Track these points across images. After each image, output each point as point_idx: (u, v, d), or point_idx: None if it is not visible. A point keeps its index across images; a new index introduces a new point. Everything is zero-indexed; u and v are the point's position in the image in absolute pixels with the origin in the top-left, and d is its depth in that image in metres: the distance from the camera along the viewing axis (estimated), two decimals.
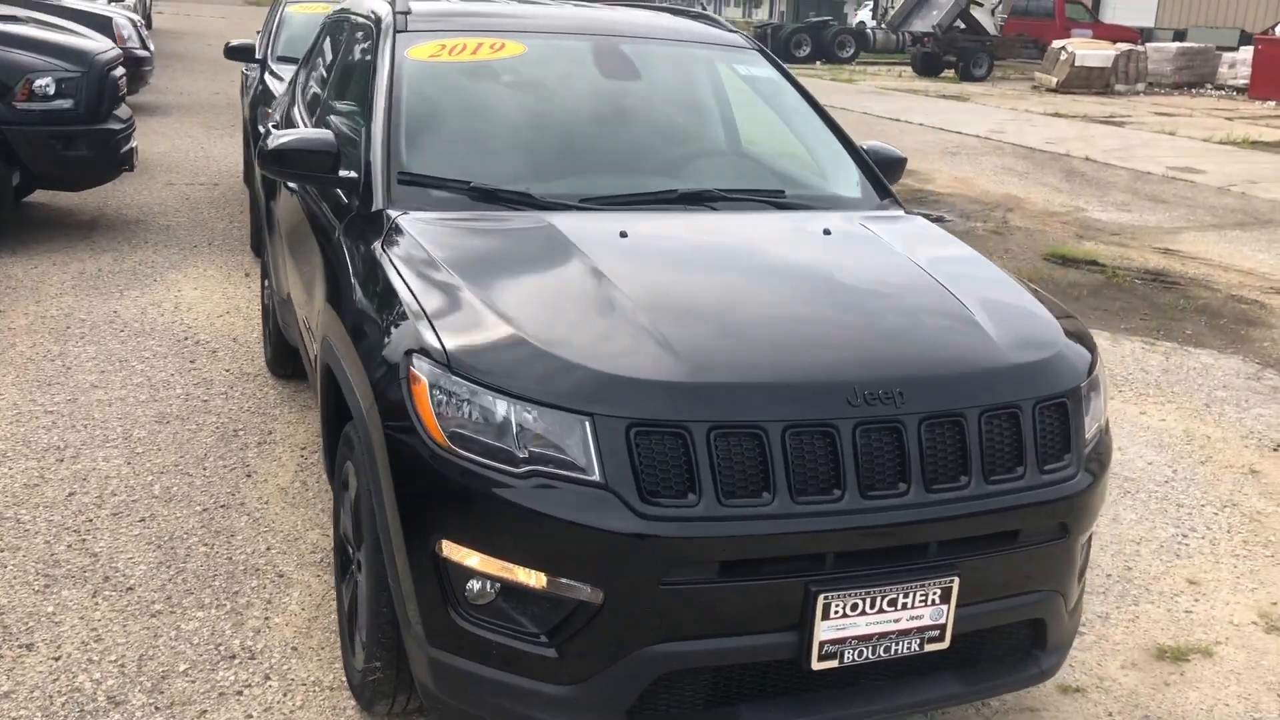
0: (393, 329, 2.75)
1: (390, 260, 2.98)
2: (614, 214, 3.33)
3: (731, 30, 4.40)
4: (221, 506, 4.26)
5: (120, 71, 8.13)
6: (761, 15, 61.59)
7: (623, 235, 3.14)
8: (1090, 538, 3.05)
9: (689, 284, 2.96)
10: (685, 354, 2.55)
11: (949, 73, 27.90)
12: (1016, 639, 2.85)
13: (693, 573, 2.43)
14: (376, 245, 3.09)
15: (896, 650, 2.59)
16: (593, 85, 3.92)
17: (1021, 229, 10.31)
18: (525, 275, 2.91)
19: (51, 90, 7.38)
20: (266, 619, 3.54)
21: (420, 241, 3.03)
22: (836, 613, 2.51)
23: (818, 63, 30.46)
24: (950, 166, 13.88)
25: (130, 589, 3.68)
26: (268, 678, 3.26)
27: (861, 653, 2.56)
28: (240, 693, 3.19)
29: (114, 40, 10.89)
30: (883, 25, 34.77)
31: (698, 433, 2.42)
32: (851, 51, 32.33)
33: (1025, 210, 11.24)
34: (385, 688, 2.86)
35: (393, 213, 3.22)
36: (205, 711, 3.10)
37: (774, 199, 3.60)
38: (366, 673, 2.88)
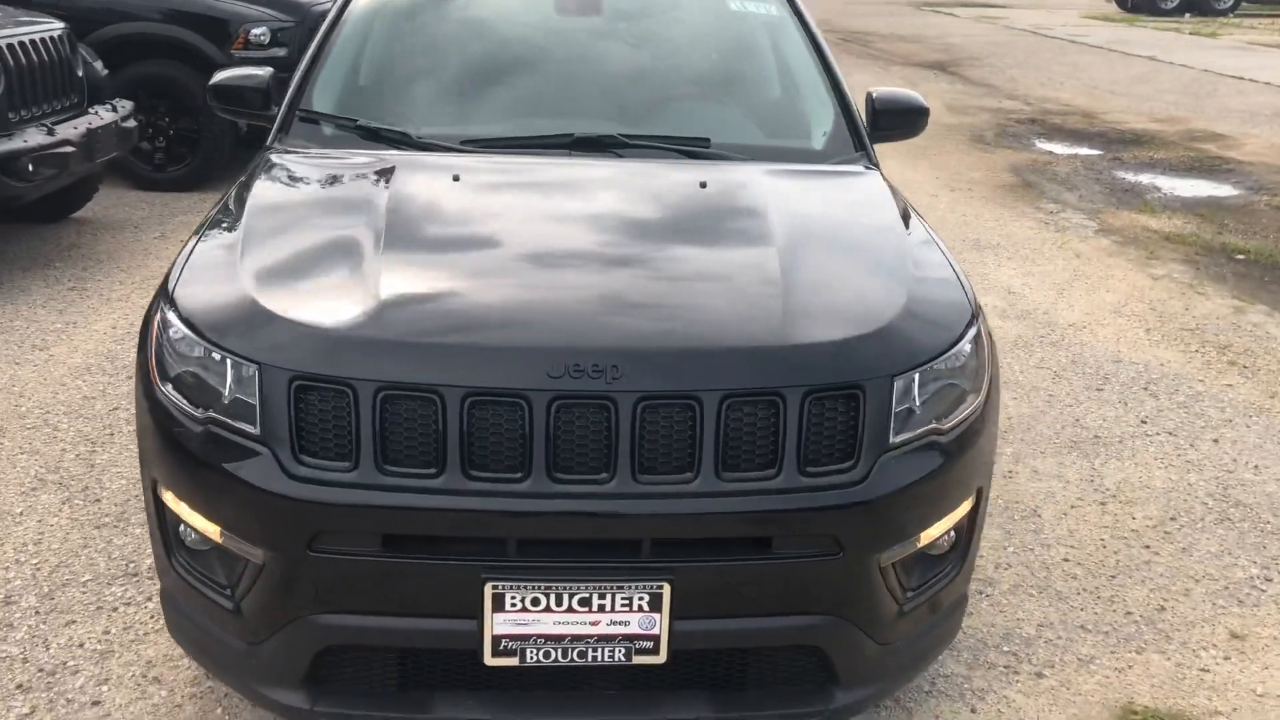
0: (171, 268, 2.74)
1: (225, 199, 2.96)
2: (479, 157, 3.14)
3: None
4: None
5: None
6: None
7: (455, 179, 2.95)
8: (944, 560, 2.57)
9: (463, 236, 2.74)
10: (380, 309, 2.36)
11: None
12: (798, 667, 2.44)
13: (349, 543, 2.26)
14: (239, 182, 3.08)
15: (596, 657, 2.29)
16: (540, 22, 3.71)
17: None
18: (312, 218, 2.80)
19: (266, 39, 7.93)
20: None
21: (263, 180, 2.99)
22: (514, 605, 2.25)
23: (1186, 15, 27.47)
24: (1274, 133, 12.11)
25: (98, 500, 3.92)
26: (151, 598, 3.37)
27: (549, 653, 2.29)
28: (116, 609, 3.32)
29: None
30: None
31: (363, 392, 2.23)
32: (1230, 3, 28.87)
33: None
34: None
35: (275, 150, 3.19)
36: (73, 622, 3.25)
37: (694, 147, 3.24)
38: None
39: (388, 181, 2.91)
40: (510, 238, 2.71)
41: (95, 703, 2.94)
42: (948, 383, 2.52)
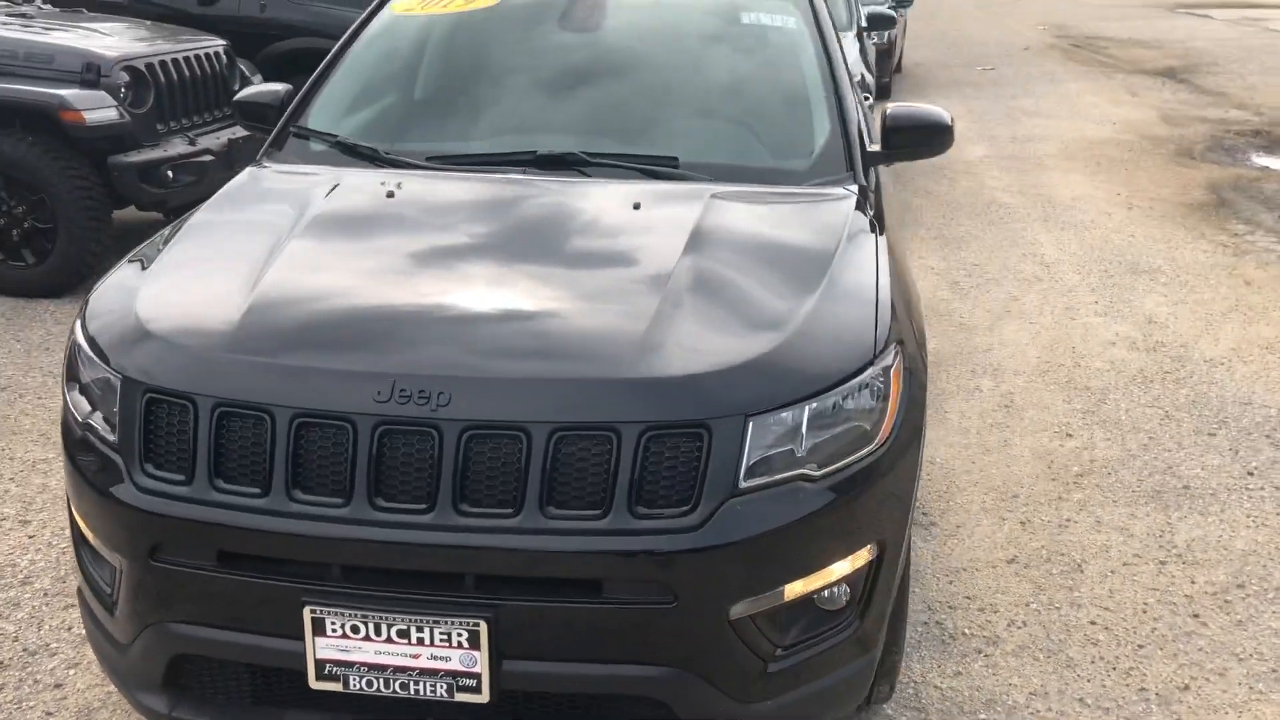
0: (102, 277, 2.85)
1: (190, 212, 3.07)
2: (431, 175, 3.13)
3: None
4: None
5: None
6: None
7: (389, 195, 2.95)
8: (836, 617, 2.37)
9: (353, 255, 2.72)
10: (235, 326, 2.38)
11: None
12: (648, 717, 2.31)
13: (186, 556, 2.29)
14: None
15: (419, 690, 2.24)
16: (539, 39, 3.64)
17: None
18: (234, 234, 2.86)
19: None
20: None
21: (218, 195, 3.09)
22: (334, 631, 2.22)
23: None
24: None
25: None
26: None
27: (372, 683, 2.25)
28: None
29: None
30: None
31: (203, 408, 2.26)
32: None
33: None
34: None
35: (255, 165, 3.29)
36: (71, 606, 3.45)
37: (660, 166, 3.12)
38: None
39: (323, 198, 2.94)
40: (394, 258, 2.68)
41: (58, 685, 3.11)
42: (840, 425, 2.32)
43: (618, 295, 2.46)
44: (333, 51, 3.64)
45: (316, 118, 3.42)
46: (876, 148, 3.39)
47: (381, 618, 2.20)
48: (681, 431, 2.18)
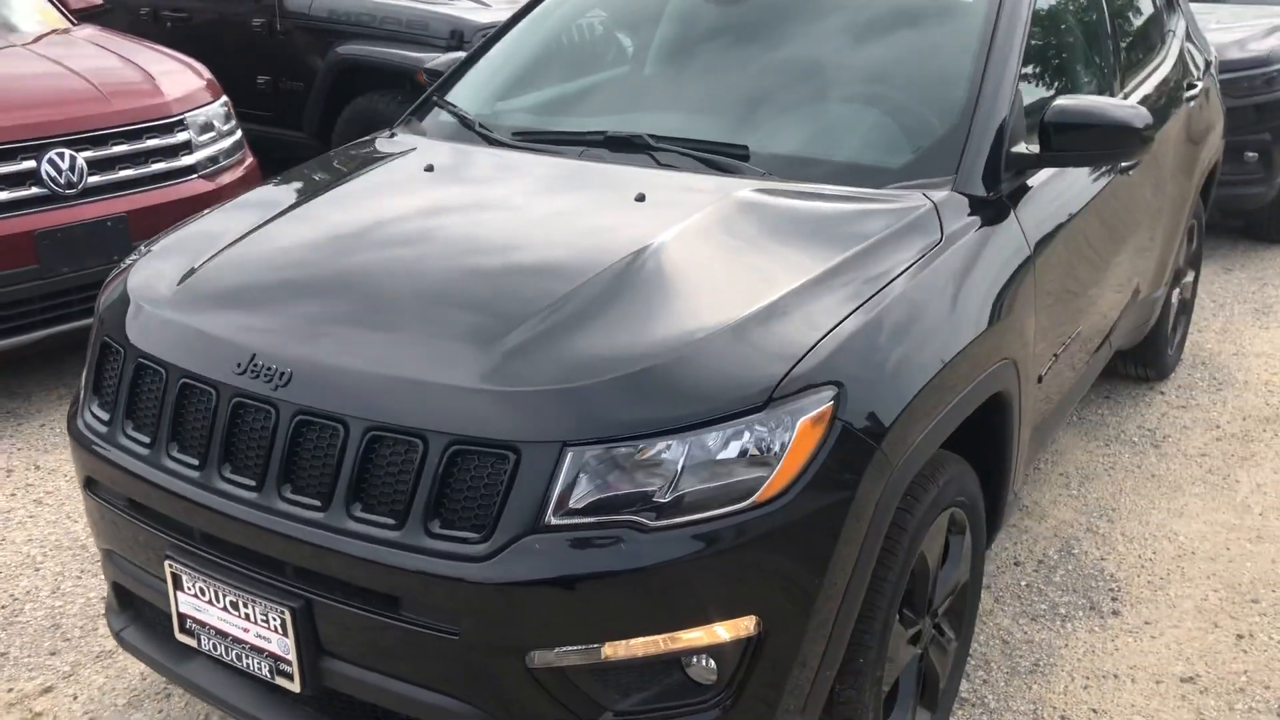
0: None
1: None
2: (496, 150, 3.01)
3: None
4: None
5: None
6: None
7: (428, 169, 2.89)
8: (698, 691, 2.05)
9: (328, 224, 2.65)
10: (177, 283, 2.47)
11: None
12: None
13: (103, 492, 2.45)
14: None
15: (251, 665, 2.22)
16: (685, 10, 3.35)
17: None
18: (277, 197, 2.93)
19: None
20: None
21: (314, 161, 3.23)
22: (190, 590, 2.28)
23: None
24: None
25: None
26: None
27: (217, 647, 2.27)
28: None
29: None
30: None
31: (129, 358, 2.40)
32: None
33: None
34: None
35: (380, 134, 3.39)
36: None
37: (726, 154, 2.78)
38: None
39: (374, 167, 2.96)
40: (359, 230, 2.60)
41: None
42: (710, 473, 1.98)
43: (510, 296, 2.25)
44: (500, 25, 3.65)
45: (460, 90, 3.44)
46: (1031, 149, 2.81)
47: (219, 586, 2.21)
48: (489, 450, 1.97)
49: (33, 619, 3.28)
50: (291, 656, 2.14)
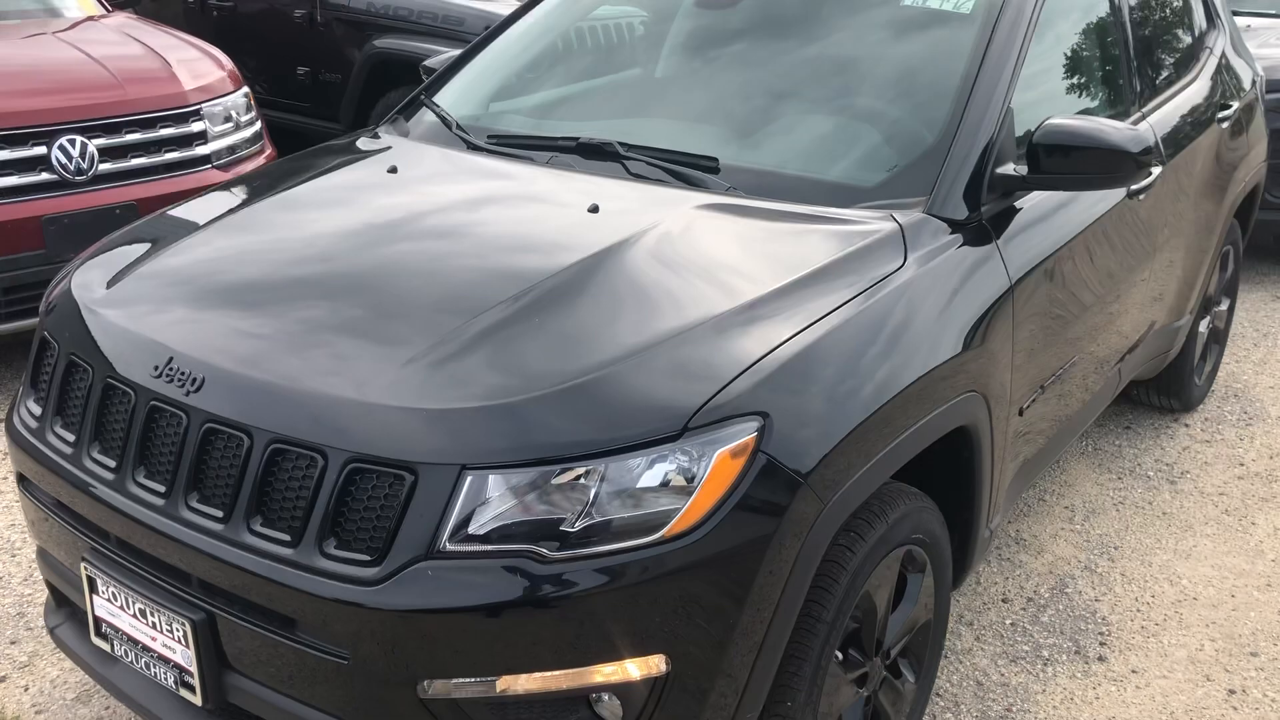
0: None
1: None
2: (467, 155, 2.93)
3: None
4: None
5: None
6: None
7: (391, 171, 2.82)
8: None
9: (274, 225, 2.61)
10: (112, 282, 2.44)
11: None
12: None
13: (32, 489, 2.42)
14: None
15: (159, 675, 2.18)
16: (674, 20, 3.24)
17: None
18: (235, 192, 2.90)
19: None
20: None
21: (285, 159, 3.19)
22: (104, 594, 2.24)
23: None
24: None
25: None
26: None
27: (129, 653, 2.23)
28: None
29: None
30: None
31: (61, 354, 2.37)
32: None
33: None
34: None
35: (365, 132, 3.33)
36: None
37: (696, 166, 2.67)
38: None
39: (342, 166, 2.90)
40: (297, 236, 2.53)
41: None
42: (618, 504, 1.89)
43: (430, 311, 2.16)
44: (495, 25, 3.58)
45: (449, 90, 3.38)
46: (1020, 170, 2.67)
47: (130, 593, 2.17)
48: (387, 470, 1.89)
49: (0, 606, 3.28)
50: (194, 668, 2.09)
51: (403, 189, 2.74)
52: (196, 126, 4.83)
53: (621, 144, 2.77)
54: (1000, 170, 2.65)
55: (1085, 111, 3.18)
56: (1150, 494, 4.04)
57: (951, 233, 2.52)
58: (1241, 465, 4.25)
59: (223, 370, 2.08)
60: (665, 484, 1.90)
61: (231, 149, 5.00)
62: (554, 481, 1.88)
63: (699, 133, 2.89)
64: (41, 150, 4.36)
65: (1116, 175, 2.63)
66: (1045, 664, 3.13)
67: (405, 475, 1.88)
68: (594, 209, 2.49)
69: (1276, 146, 6.08)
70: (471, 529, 1.87)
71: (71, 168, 4.42)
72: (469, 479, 1.86)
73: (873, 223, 2.44)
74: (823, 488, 2.04)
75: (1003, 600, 3.41)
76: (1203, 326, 4.48)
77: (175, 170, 4.73)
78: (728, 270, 2.29)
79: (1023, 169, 2.67)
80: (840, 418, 2.09)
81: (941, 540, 2.55)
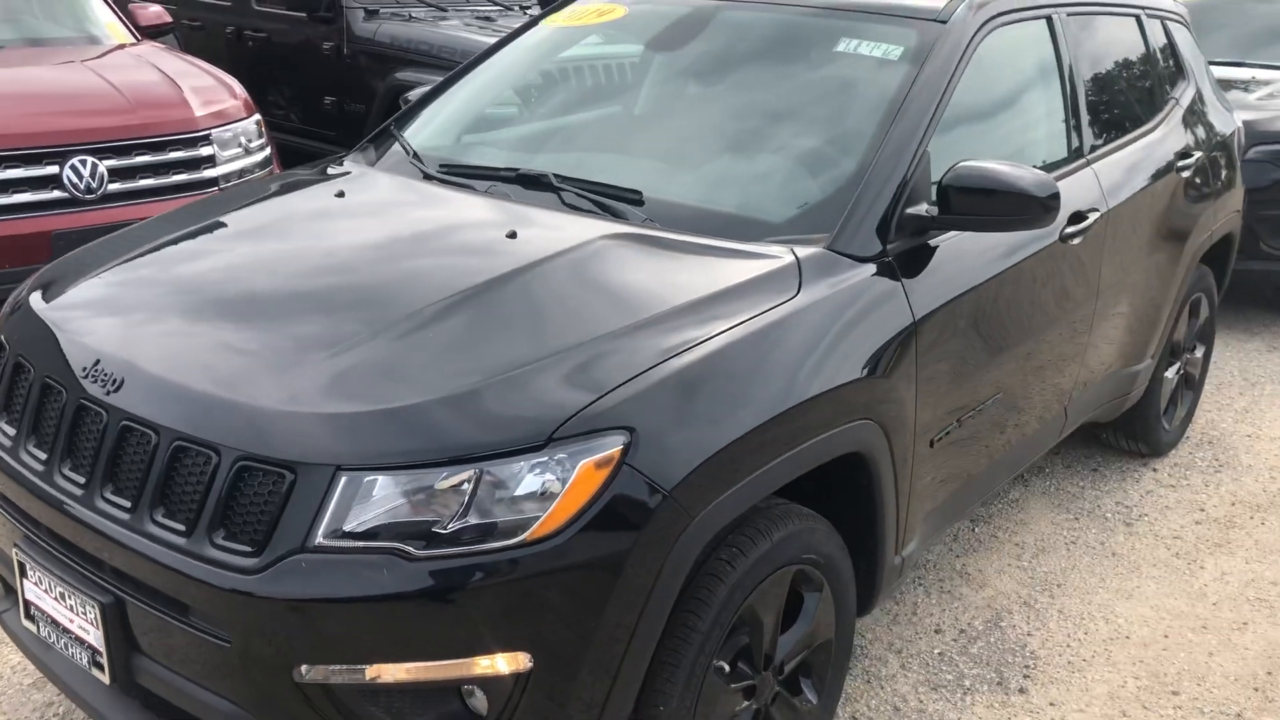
0: None
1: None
2: (413, 182, 3.10)
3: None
4: None
5: None
6: None
7: (339, 195, 3.00)
8: None
9: (219, 242, 2.78)
10: (59, 295, 2.62)
11: None
12: None
13: None
14: None
15: (75, 656, 2.34)
16: (639, 58, 3.40)
17: None
18: (202, 214, 3.08)
19: None
20: None
21: (248, 182, 3.38)
22: (32, 578, 2.41)
23: None
24: None
25: None
26: None
27: (50, 635, 2.39)
28: None
29: None
30: None
31: (11, 354, 2.56)
32: None
33: None
34: None
35: (329, 160, 3.52)
36: None
37: (621, 199, 2.81)
38: None
39: (298, 189, 3.09)
40: (234, 252, 2.72)
41: None
42: (489, 507, 2.02)
43: (331, 322, 2.32)
44: (468, 61, 3.76)
45: (418, 123, 3.56)
46: (931, 211, 2.78)
47: (52, 577, 2.33)
48: (271, 468, 2.05)
49: None
50: (104, 649, 2.25)
51: (342, 212, 2.92)
52: (205, 150, 5.07)
53: (556, 175, 2.93)
54: (911, 210, 2.76)
55: (1017, 157, 3.28)
56: (1104, 535, 4.09)
57: (853, 268, 2.63)
58: (1202, 511, 4.29)
59: (140, 372, 2.25)
60: (535, 491, 2.03)
61: (240, 173, 5.23)
62: (434, 485, 2.02)
63: (633, 167, 3.04)
64: (54, 169, 4.62)
65: (1023, 218, 2.73)
66: (965, 693, 3.19)
67: (286, 474, 2.03)
68: (512, 234, 2.64)
69: (1276, 196, 6.13)
70: (347, 526, 2.01)
71: (82, 186, 4.67)
72: (343, 479, 2.01)
73: (771, 255, 2.57)
74: (690, 502, 2.15)
75: (935, 631, 3.48)
76: (1170, 373, 4.52)
77: (182, 191, 4.96)
78: (621, 293, 2.43)
79: (935, 210, 2.77)
80: (712, 436, 2.21)
81: (840, 563, 2.65)
